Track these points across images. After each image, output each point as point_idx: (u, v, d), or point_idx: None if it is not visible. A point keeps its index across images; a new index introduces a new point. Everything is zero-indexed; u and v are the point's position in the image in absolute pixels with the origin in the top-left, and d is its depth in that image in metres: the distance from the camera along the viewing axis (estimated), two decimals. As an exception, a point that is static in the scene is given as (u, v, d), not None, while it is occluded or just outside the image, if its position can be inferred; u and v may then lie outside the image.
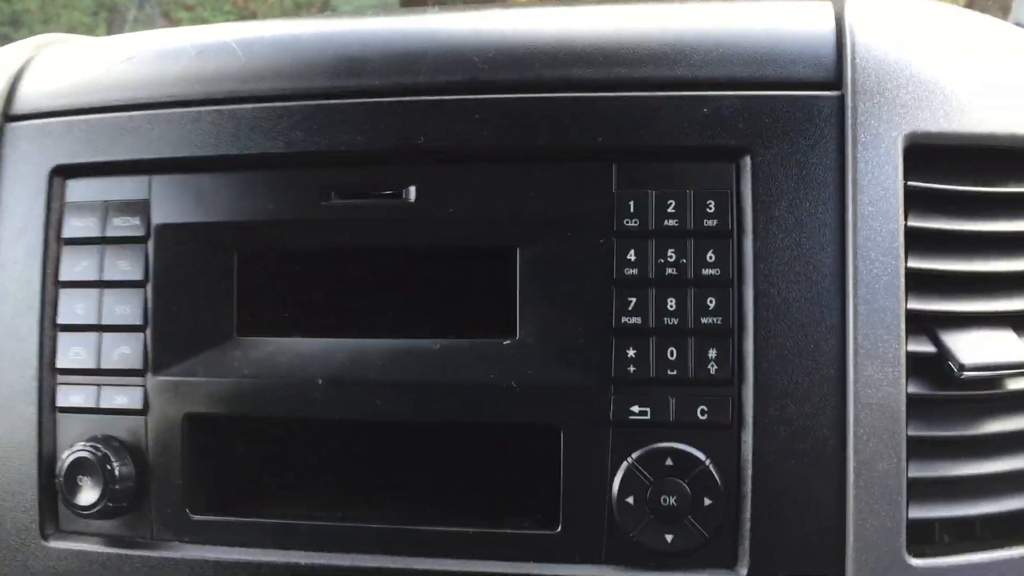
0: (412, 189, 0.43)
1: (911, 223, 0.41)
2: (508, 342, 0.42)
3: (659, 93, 0.42)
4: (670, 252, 0.41)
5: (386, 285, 0.44)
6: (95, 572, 0.46)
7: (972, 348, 0.40)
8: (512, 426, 0.42)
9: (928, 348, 0.40)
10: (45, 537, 0.47)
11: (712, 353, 0.41)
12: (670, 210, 0.41)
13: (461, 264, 0.44)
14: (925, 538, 0.41)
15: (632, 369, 0.41)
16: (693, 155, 0.42)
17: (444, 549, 0.42)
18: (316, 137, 0.44)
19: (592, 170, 0.42)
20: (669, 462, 0.40)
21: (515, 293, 0.42)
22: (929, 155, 0.42)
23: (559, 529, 0.41)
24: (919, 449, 0.40)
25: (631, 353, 0.41)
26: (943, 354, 0.40)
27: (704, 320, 0.41)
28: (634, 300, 0.41)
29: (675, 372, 0.41)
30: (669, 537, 0.40)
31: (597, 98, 0.42)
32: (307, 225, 0.45)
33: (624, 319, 0.41)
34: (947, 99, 0.41)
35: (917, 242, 0.41)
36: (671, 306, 0.41)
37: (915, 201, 0.41)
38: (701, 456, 0.40)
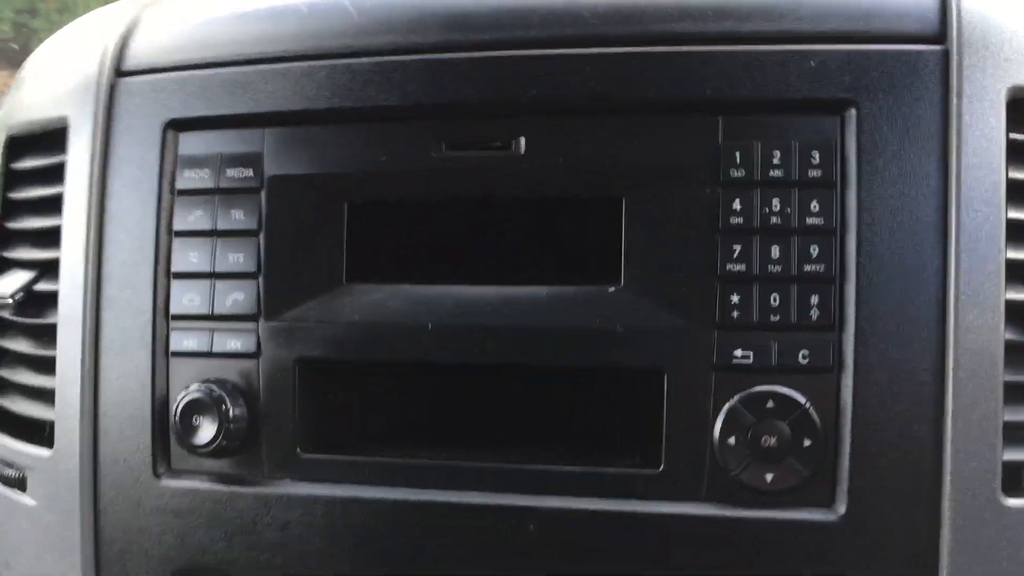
0: (522, 140, 0.45)
1: (1013, 175, 0.42)
2: (613, 289, 0.44)
3: (766, 47, 0.43)
4: (775, 201, 0.43)
5: (494, 234, 0.46)
6: (206, 508, 0.48)
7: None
8: (617, 369, 0.44)
9: (1025, 296, 0.42)
10: (157, 476, 0.49)
11: (814, 299, 0.42)
12: (775, 161, 0.43)
13: (568, 213, 0.45)
14: (1019, 483, 0.42)
15: (736, 314, 0.42)
16: (799, 107, 0.43)
17: (548, 487, 0.44)
18: (428, 90, 0.45)
19: (699, 122, 0.43)
20: (770, 404, 0.42)
21: (620, 241, 0.44)
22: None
23: (661, 468, 0.43)
24: (1015, 394, 0.41)
25: (735, 299, 0.42)
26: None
27: (807, 268, 0.42)
28: (739, 248, 0.42)
29: (777, 317, 0.42)
30: (769, 476, 0.42)
31: (705, 52, 0.43)
32: (417, 176, 0.46)
33: (729, 266, 0.42)
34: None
35: (1018, 193, 0.42)
36: (775, 254, 0.42)
37: (1017, 153, 0.42)
38: (801, 399, 0.41)
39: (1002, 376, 0.41)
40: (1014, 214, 0.42)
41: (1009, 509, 0.41)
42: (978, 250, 0.41)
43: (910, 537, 0.41)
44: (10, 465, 0.54)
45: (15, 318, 0.55)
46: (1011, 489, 0.41)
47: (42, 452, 0.52)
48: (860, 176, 0.42)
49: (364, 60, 0.46)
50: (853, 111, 0.42)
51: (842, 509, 0.41)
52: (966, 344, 0.41)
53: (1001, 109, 0.42)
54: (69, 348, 0.51)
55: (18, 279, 0.55)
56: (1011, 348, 0.41)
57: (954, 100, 0.42)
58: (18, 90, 0.60)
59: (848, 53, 0.42)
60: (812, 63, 0.42)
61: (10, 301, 0.54)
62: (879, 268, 0.42)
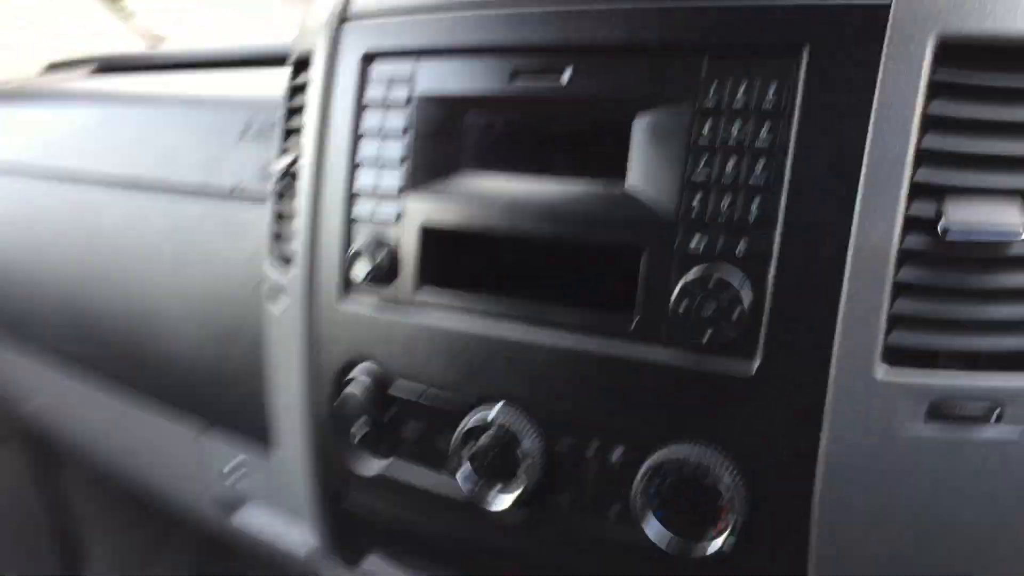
0: (567, 72, 0.61)
1: (932, 111, 0.50)
2: (619, 188, 0.59)
3: (740, 3, 0.55)
4: (734, 127, 0.55)
5: (548, 141, 0.63)
6: (364, 322, 0.72)
7: (968, 213, 0.49)
8: (616, 245, 0.59)
9: (929, 214, 0.50)
10: (339, 301, 0.73)
11: (754, 205, 0.54)
12: (739, 95, 0.55)
13: (595, 129, 0.61)
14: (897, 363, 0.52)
15: (695, 213, 0.56)
16: (762, 51, 0.54)
17: (574, 328, 0.61)
18: (508, 34, 0.63)
19: (687, 62, 0.56)
20: (712, 283, 0.55)
21: (628, 153, 0.59)
22: (962, 54, 0.50)
23: (636, 320, 0.58)
24: (905, 291, 0.51)
25: (695, 202, 0.56)
26: (938, 216, 0.50)
27: (751, 180, 0.54)
28: (703, 161, 0.56)
29: (725, 218, 0.55)
30: (707, 334, 0.55)
31: (695, 7, 0.56)
32: (503, 98, 0.64)
33: (693, 176, 0.56)
34: (979, 3, 0.49)
35: (936, 126, 0.50)
36: (729, 168, 0.55)
37: (940, 92, 0.50)
38: (736, 280, 0.54)
39: (893, 276, 0.50)
40: (929, 144, 0.50)
41: (881, 383, 0.51)
42: (884, 171, 0.50)
43: (802, 399, 0.53)
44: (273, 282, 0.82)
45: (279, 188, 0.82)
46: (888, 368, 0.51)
47: (287, 273, 0.79)
48: (803, 109, 0.53)
49: (470, 13, 0.65)
50: (805, 55, 0.53)
51: (756, 365, 0.54)
52: (862, 244, 0.51)
53: (925, 52, 0.50)
54: (302, 211, 0.76)
55: (284, 160, 0.82)
56: (907, 254, 0.51)
57: (886, 46, 0.51)
58: (302, 22, 0.86)
59: (806, 7, 0.53)
60: (777, 15, 0.53)
61: (278, 175, 0.81)
62: (807, 182, 0.53)
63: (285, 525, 0.94)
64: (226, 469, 1.01)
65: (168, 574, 1.85)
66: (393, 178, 0.70)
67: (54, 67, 1.51)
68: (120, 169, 1.00)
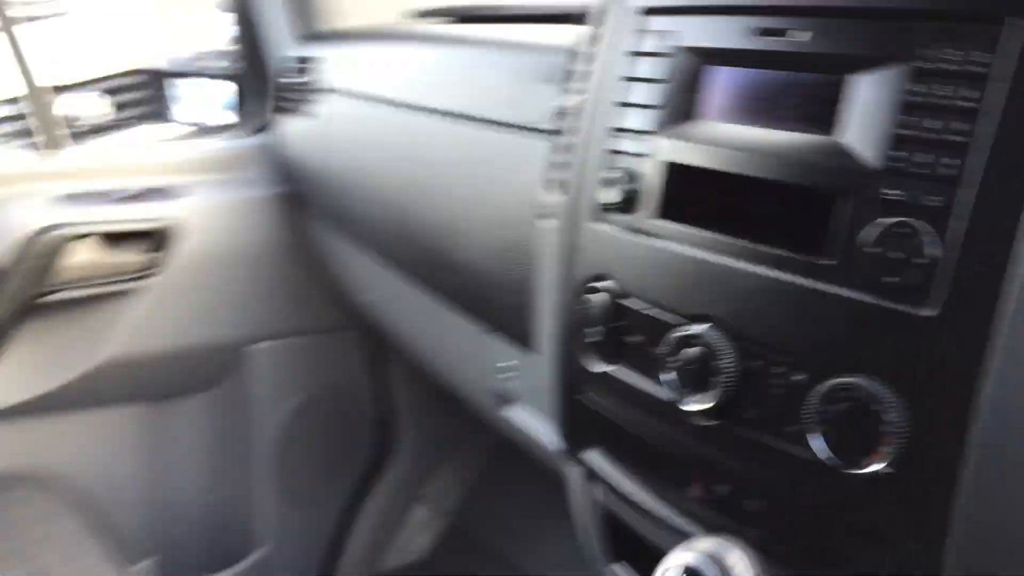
0: (808, 33, 0.67)
1: None
2: (827, 137, 0.65)
3: None
4: (946, 88, 0.58)
5: (785, 95, 0.70)
6: (609, 243, 0.83)
7: None
8: (824, 191, 0.65)
9: None
10: (591, 222, 0.85)
11: (950, 161, 0.58)
12: (951, 58, 0.58)
13: (819, 83, 0.67)
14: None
15: (895, 164, 0.60)
16: (976, 16, 0.57)
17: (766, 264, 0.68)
18: None
19: (902, 26, 0.61)
20: (907, 229, 0.60)
21: (837, 106, 0.64)
22: None
23: (835, 261, 0.64)
24: None
25: (898, 153, 0.60)
26: None
27: (952, 137, 0.58)
28: (907, 119, 0.60)
29: (922, 171, 0.59)
30: (896, 276, 0.60)
31: None
32: (748, 52, 0.72)
33: (898, 131, 0.60)
34: None
35: None
36: (929, 125, 0.59)
37: None
38: (928, 228, 0.59)
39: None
40: None
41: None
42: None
43: (972, 345, 0.56)
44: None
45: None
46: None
47: (556, 197, 0.92)
48: (1016, 76, 0.55)
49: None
50: (1013, 22, 0.55)
51: (936, 310, 0.58)
52: None
53: None
54: (577, 144, 0.89)
55: (567, 100, 0.94)
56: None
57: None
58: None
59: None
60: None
61: (562, 112, 0.94)
62: (1008, 144, 0.55)
63: (541, 424, 1.08)
64: (500, 365, 1.18)
65: (463, 468, 2.12)
66: (648, 120, 0.80)
67: (420, 14, 1.75)
68: (444, 102, 1.19)
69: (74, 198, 1.57)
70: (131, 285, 1.60)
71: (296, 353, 1.83)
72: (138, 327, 1.63)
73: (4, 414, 1.58)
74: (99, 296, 1.58)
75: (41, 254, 1.49)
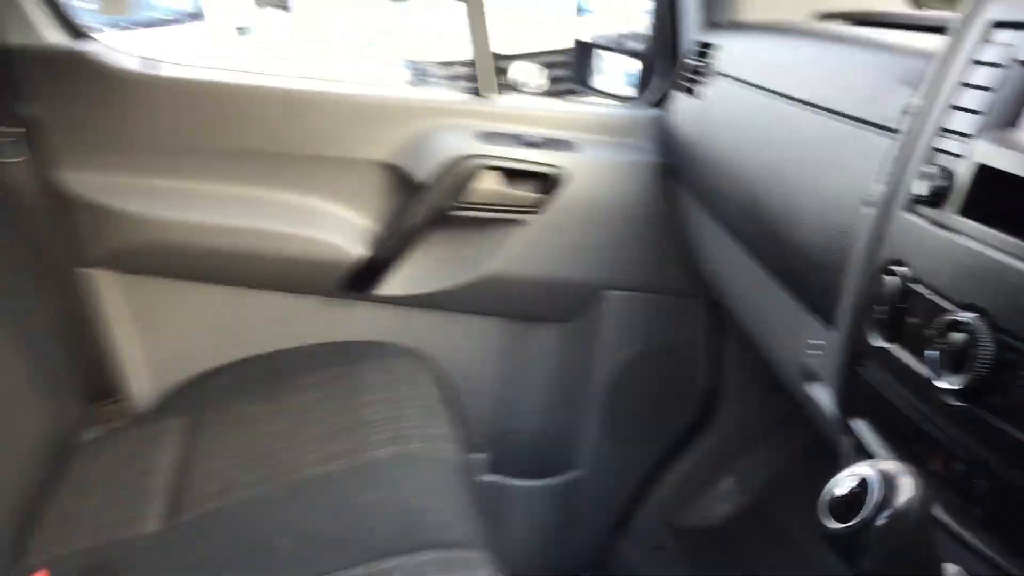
0: None
1: None
2: None
3: None
4: None
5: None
6: (912, 232, 0.90)
7: None
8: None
9: None
10: (902, 211, 0.92)
11: None
12: None
13: None
14: None
15: None
16: None
17: None
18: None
19: None
20: None
21: None
22: None
23: None
24: None
25: None
26: None
27: None
28: None
29: None
30: None
31: None
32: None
33: None
34: None
35: None
36: None
37: None
38: None
39: None
40: None
41: None
42: None
43: None
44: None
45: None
46: None
47: (880, 187, 1.00)
48: None
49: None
50: None
51: None
52: None
53: None
54: (906, 142, 0.96)
55: (910, 100, 1.01)
56: None
57: None
58: None
59: None
60: None
61: (905, 111, 1.01)
62: None
63: (825, 395, 1.17)
64: (810, 343, 1.27)
65: (776, 451, 2.19)
66: (972, 124, 0.86)
67: (822, 16, 1.83)
68: (810, 93, 1.29)
69: (491, 136, 1.89)
70: (519, 216, 1.89)
71: (643, 306, 2.02)
72: (518, 253, 1.92)
73: (401, 300, 1.96)
74: (493, 220, 1.90)
75: (459, 175, 1.83)
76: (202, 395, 1.80)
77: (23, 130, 1.70)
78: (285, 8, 6.98)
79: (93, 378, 1.86)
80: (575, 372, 2.09)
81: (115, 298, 1.89)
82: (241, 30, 6.82)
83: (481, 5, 1.89)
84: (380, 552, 1.24)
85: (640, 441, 2.15)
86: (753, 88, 1.52)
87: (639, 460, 2.17)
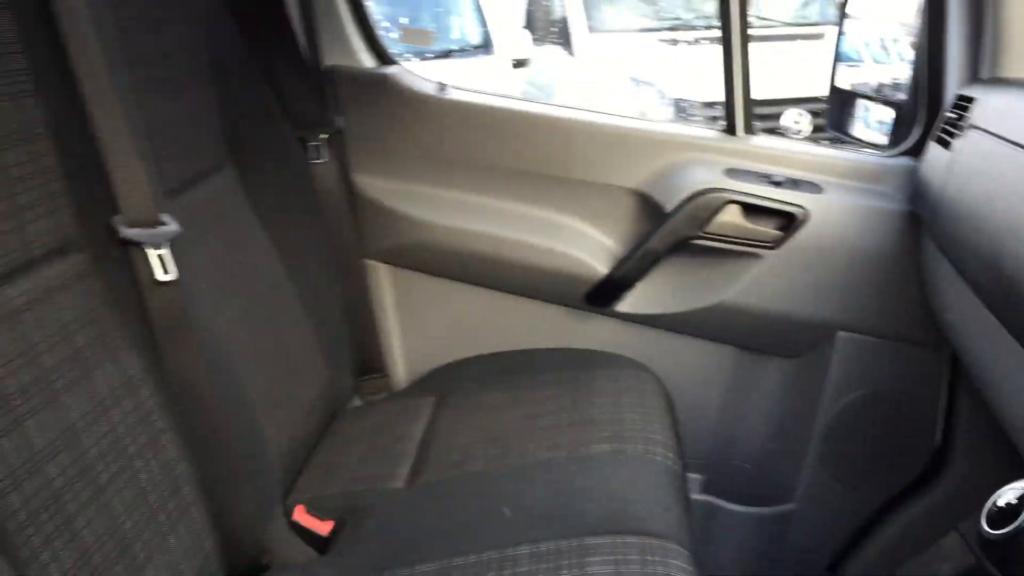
0: None
1: None
2: None
3: None
4: None
5: None
6: None
7: None
8: None
9: None
10: None
11: None
12: None
13: None
14: None
15: None
16: None
17: None
18: None
19: None
20: None
21: None
22: None
23: None
24: None
25: None
26: None
27: None
28: None
29: None
30: None
31: None
32: None
33: None
34: None
35: None
36: None
37: None
38: None
39: None
40: None
41: None
42: None
43: None
44: None
45: None
46: None
47: None
48: None
49: None
50: None
51: None
52: None
53: None
54: None
55: None
56: None
57: None
58: None
59: None
60: None
61: None
62: None
63: None
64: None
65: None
66: None
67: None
68: None
69: (737, 172, 1.99)
70: (755, 250, 1.98)
71: (875, 351, 2.04)
72: (751, 285, 2.01)
73: (637, 318, 2.11)
74: (731, 251, 2.00)
75: (703, 206, 1.95)
76: (451, 380, 2.04)
77: (328, 136, 2.02)
78: (568, 46, 7.37)
79: (363, 355, 2.15)
80: (799, 407, 2.13)
81: (387, 288, 2.19)
82: (519, 63, 7.30)
83: (742, 47, 2.01)
84: (587, 530, 1.39)
85: (862, 484, 2.15)
86: (1009, 144, 1.53)
87: (859, 504, 2.16)
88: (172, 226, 1.19)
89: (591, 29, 7.40)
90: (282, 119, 1.92)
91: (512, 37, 7.50)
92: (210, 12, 1.73)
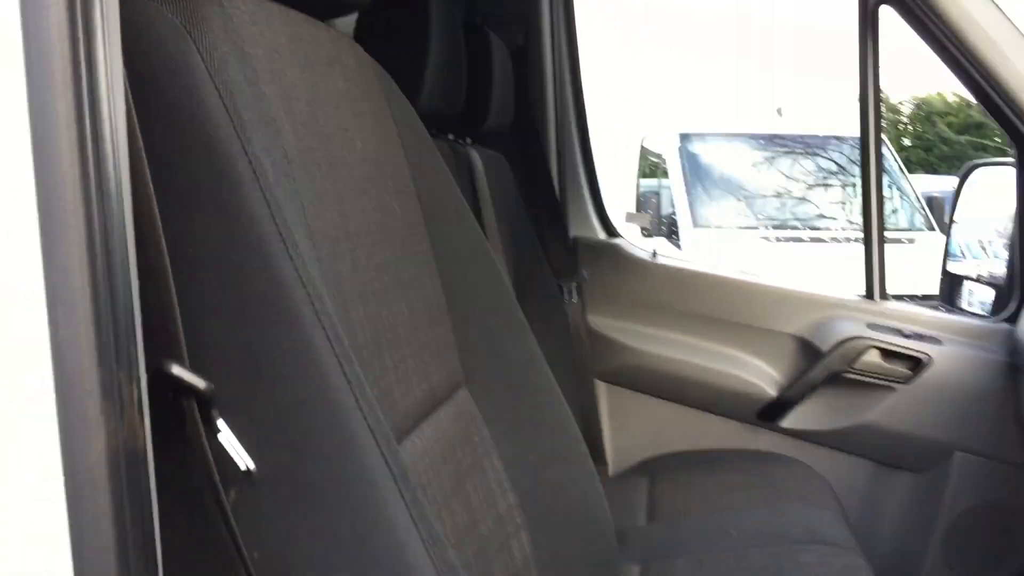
0: None
1: None
2: None
3: None
4: None
5: None
6: None
7: None
8: None
9: None
10: None
11: None
12: None
13: None
14: None
15: None
16: None
17: None
18: None
19: None
20: None
21: None
22: None
23: None
24: None
25: None
26: None
27: None
28: None
29: None
30: None
31: None
32: None
33: None
34: None
35: None
36: None
37: None
38: None
39: None
40: None
41: None
42: None
43: None
44: None
45: None
46: None
47: None
48: None
49: None
50: None
51: None
52: None
53: None
54: None
55: None
56: None
57: None
58: None
59: None
60: None
61: None
62: None
63: None
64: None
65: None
66: None
67: None
68: None
69: (876, 326, 2.72)
70: (891, 384, 2.67)
71: (983, 469, 2.66)
72: (886, 411, 2.69)
73: (796, 432, 2.78)
74: (870, 384, 2.69)
75: (851, 348, 2.67)
76: (659, 469, 2.72)
77: (576, 283, 2.83)
78: (673, 239, 8.27)
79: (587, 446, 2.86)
80: (924, 512, 2.74)
81: (605, 401, 2.92)
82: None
83: (879, 235, 2.77)
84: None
85: (976, 577, 2.72)
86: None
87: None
88: None
89: (695, 224, 8.32)
90: (549, 271, 2.74)
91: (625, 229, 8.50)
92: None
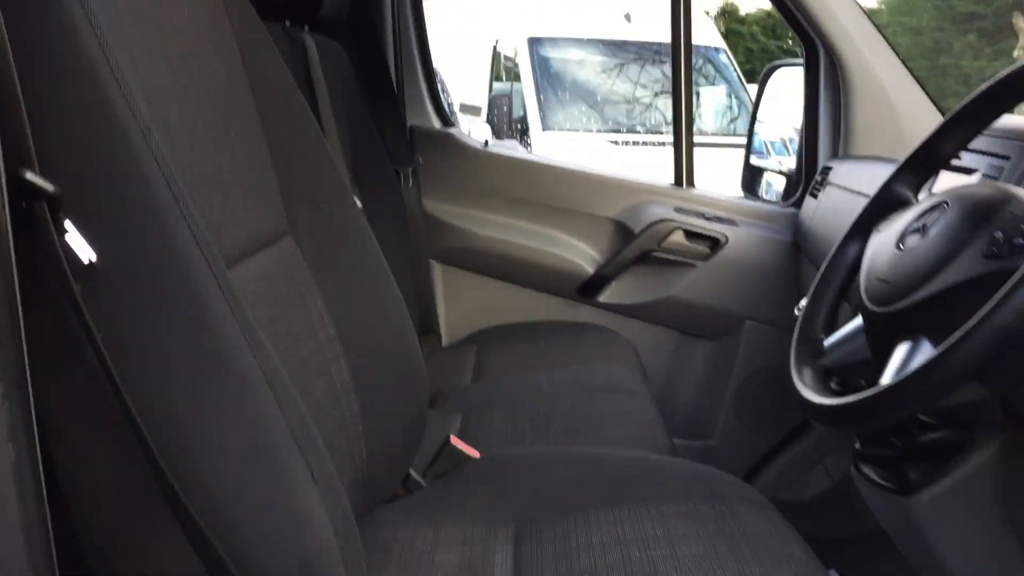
0: None
1: None
2: None
3: None
4: None
5: None
6: None
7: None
8: None
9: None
10: None
11: None
12: None
13: None
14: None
15: None
16: None
17: None
18: None
19: None
20: None
21: None
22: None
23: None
24: None
25: None
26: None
27: None
28: None
29: None
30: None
31: None
32: None
33: None
34: None
35: None
36: None
37: None
38: None
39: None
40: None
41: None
42: None
43: None
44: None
45: None
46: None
47: None
48: None
49: None
50: None
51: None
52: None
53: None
54: None
55: None
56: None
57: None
58: None
59: None
60: None
61: None
62: None
63: None
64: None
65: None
66: None
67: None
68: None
69: (682, 210, 3.02)
70: (691, 261, 3.00)
71: (770, 335, 3.04)
72: (688, 286, 3.02)
73: (611, 306, 3.09)
74: (675, 262, 3.01)
75: (660, 230, 2.97)
76: (487, 339, 2.97)
77: (412, 169, 3.00)
78: (523, 140, 8.49)
79: (423, 319, 3.09)
80: (719, 373, 3.12)
81: (440, 279, 3.14)
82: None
83: (687, 132, 3.06)
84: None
85: (757, 431, 3.13)
86: (848, 192, 2.58)
87: (756, 445, 3.13)
88: None
89: (545, 127, 8.55)
90: (386, 157, 2.89)
91: (475, 130, 8.65)
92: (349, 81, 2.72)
